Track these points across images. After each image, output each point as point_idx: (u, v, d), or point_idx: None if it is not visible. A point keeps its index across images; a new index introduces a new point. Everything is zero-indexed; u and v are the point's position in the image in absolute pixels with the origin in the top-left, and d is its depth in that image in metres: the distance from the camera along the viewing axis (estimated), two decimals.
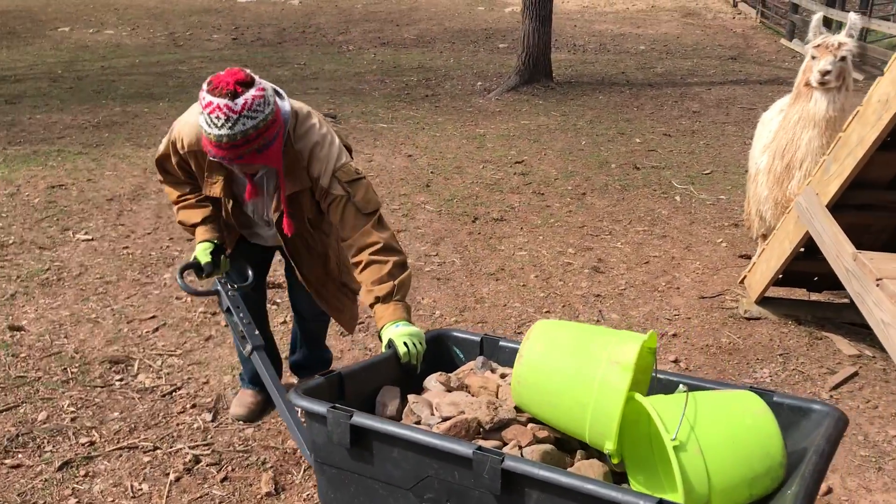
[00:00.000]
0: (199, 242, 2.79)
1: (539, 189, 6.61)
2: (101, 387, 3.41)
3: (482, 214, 5.93)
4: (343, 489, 2.05)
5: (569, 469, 1.96)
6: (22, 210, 5.82)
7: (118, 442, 3.02)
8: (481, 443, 1.97)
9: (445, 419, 2.07)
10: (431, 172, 7.12)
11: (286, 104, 2.54)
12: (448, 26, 16.61)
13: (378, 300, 2.40)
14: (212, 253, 2.77)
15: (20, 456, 2.90)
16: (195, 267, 2.78)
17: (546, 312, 4.31)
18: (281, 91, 2.57)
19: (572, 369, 2.00)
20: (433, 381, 2.31)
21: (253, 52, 14.40)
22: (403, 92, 10.90)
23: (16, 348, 3.69)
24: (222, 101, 2.27)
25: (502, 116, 9.46)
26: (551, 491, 1.71)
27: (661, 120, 9.38)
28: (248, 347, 2.58)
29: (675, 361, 3.86)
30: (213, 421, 3.21)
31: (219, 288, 2.72)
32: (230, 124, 2.27)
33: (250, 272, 2.92)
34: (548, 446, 2.01)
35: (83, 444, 2.99)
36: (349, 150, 2.68)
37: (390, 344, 2.34)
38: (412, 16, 17.61)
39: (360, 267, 2.46)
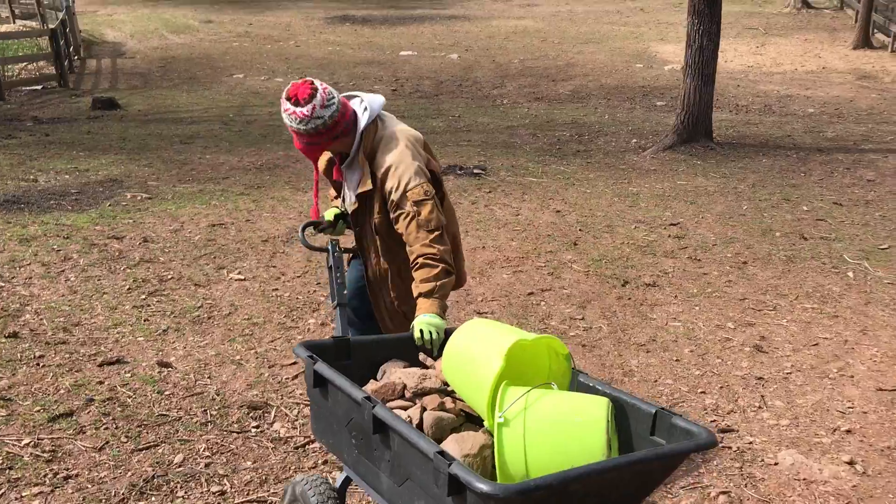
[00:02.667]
0: (331, 208, 3.35)
1: (695, 254, 6.25)
2: (238, 432, 3.41)
3: (633, 278, 5.65)
4: (319, 421, 2.56)
5: (454, 435, 2.24)
6: (183, 246, 6.08)
7: (248, 494, 2.99)
8: (401, 402, 2.38)
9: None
10: (580, 230, 6.91)
11: (373, 110, 2.99)
12: (604, 83, 16.43)
13: (421, 294, 2.78)
14: (336, 216, 3.29)
15: (153, 499, 2.91)
16: (316, 224, 3.30)
17: (701, 393, 3.98)
18: (370, 103, 3.00)
19: (476, 355, 2.27)
20: (420, 359, 2.70)
21: (410, 103, 14.77)
22: (555, 147, 10.79)
23: (162, 385, 3.77)
24: (295, 107, 2.84)
25: (657, 175, 9.13)
26: (396, 433, 2.10)
27: (830, 187, 8.74)
28: (334, 303, 3.03)
29: (850, 463, 3.43)
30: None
31: (329, 247, 3.14)
32: (300, 123, 2.85)
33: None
34: (445, 414, 2.31)
35: (214, 493, 2.98)
36: (433, 176, 3.01)
37: (412, 328, 2.73)
38: (568, 72, 17.56)
39: (416, 267, 2.83)
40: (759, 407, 3.84)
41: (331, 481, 2.58)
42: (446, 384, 2.45)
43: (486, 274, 5.71)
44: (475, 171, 9.20)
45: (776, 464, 3.33)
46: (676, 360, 4.35)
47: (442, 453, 1.92)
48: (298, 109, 2.83)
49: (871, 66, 18.09)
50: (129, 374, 3.85)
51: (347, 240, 3.30)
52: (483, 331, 2.36)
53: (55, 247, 5.90)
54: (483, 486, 1.78)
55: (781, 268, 5.97)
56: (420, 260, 2.80)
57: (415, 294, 2.81)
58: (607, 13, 26.81)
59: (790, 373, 4.25)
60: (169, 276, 5.38)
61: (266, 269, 5.62)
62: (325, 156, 3.15)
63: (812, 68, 18.24)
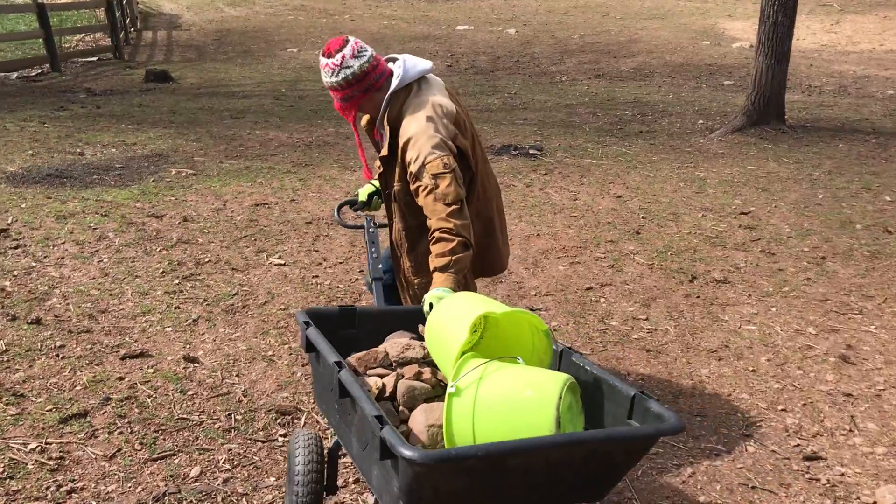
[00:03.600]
0: (366, 184, 3.39)
1: (769, 248, 5.76)
2: (263, 441, 3.11)
3: (701, 273, 5.20)
4: (315, 385, 2.59)
5: (423, 405, 2.26)
6: (224, 227, 5.82)
7: None
8: (381, 370, 2.40)
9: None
10: (643, 217, 6.46)
11: (407, 74, 2.91)
12: (669, 60, 15.74)
13: (436, 269, 2.72)
14: (370, 194, 3.35)
15: None
16: (352, 203, 3.38)
17: (781, 410, 3.55)
18: (408, 67, 2.93)
19: (449, 327, 2.26)
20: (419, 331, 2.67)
21: (466, 79, 14.35)
22: (616, 127, 10.27)
23: (186, 383, 3.49)
24: (327, 59, 2.87)
25: (726, 159, 8.58)
26: (351, 397, 2.12)
27: None
28: (370, 278, 3.08)
29: None
30: None
31: (364, 224, 3.21)
32: (332, 75, 2.87)
33: None
34: (418, 384, 2.32)
35: None
36: (461, 153, 2.93)
37: (423, 301, 2.67)
38: (631, 48, 16.90)
39: (433, 241, 2.77)
40: (850, 430, 3.40)
41: (323, 441, 2.53)
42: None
43: (541, 265, 5.32)
44: (531, 151, 8.77)
45: (874, 503, 2.90)
46: (752, 371, 3.91)
47: (379, 418, 1.91)
48: (329, 61, 2.87)
49: None
50: (151, 370, 3.58)
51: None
52: (461, 303, 2.34)
53: (92, 224, 5.69)
54: (405, 451, 1.78)
55: (865, 265, 5.44)
56: (437, 234, 2.77)
57: (431, 268, 2.77)
58: None
59: (883, 389, 3.78)
60: (206, 259, 5.12)
61: (308, 253, 5.32)
62: (367, 116, 3.15)
63: (892, 47, 17.23)
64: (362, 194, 3.36)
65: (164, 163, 7.85)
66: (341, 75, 2.85)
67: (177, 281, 4.70)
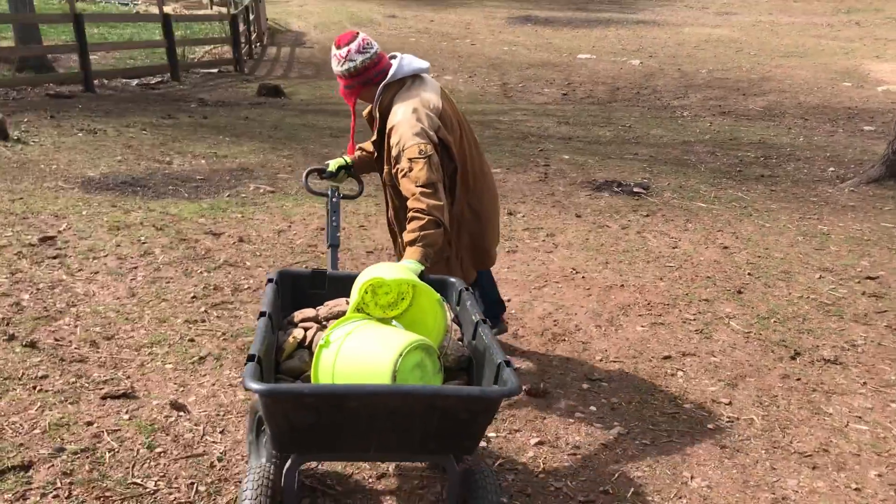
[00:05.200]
0: (339, 158, 3.65)
1: None
2: None
3: (808, 348, 4.38)
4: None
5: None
6: (280, 250, 5.46)
7: None
8: (310, 323, 2.78)
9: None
10: (748, 274, 5.66)
11: (401, 69, 3.26)
12: (803, 101, 14.56)
13: (407, 243, 3.01)
14: (339, 167, 3.59)
15: None
16: (320, 171, 3.65)
17: None
18: (403, 64, 3.28)
19: (354, 292, 2.69)
20: None
21: (579, 109, 13.72)
22: (735, 168, 9.38)
23: (159, 437, 3.04)
24: (336, 50, 3.24)
25: (856, 213, 7.58)
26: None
27: None
28: (328, 244, 3.35)
29: None
30: None
31: (328, 193, 3.47)
32: (338, 65, 3.24)
33: (361, 189, 3.78)
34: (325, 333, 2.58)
35: None
36: (443, 144, 3.24)
37: None
38: (762, 86, 15.78)
39: (408, 220, 3.06)
40: None
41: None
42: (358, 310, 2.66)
43: (617, 323, 4.64)
44: (635, 189, 8.06)
45: None
46: (856, 489, 3.10)
47: (251, 356, 2.27)
48: (338, 52, 3.24)
49: None
50: (128, 416, 3.16)
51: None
52: (374, 271, 2.70)
53: (142, 238, 5.45)
54: (249, 384, 2.13)
55: None
56: (411, 213, 3.06)
57: (404, 243, 3.05)
58: (815, 25, 24.30)
59: None
60: (245, 286, 4.73)
61: None
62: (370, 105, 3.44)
63: None
64: (332, 165, 3.60)
65: (246, 178, 7.63)
66: (345, 66, 3.23)
67: (203, 308, 4.33)
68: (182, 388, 3.43)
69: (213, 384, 3.49)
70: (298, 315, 2.81)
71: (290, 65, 17.97)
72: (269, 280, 2.88)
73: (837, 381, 4.00)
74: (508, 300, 4.93)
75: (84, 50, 12.66)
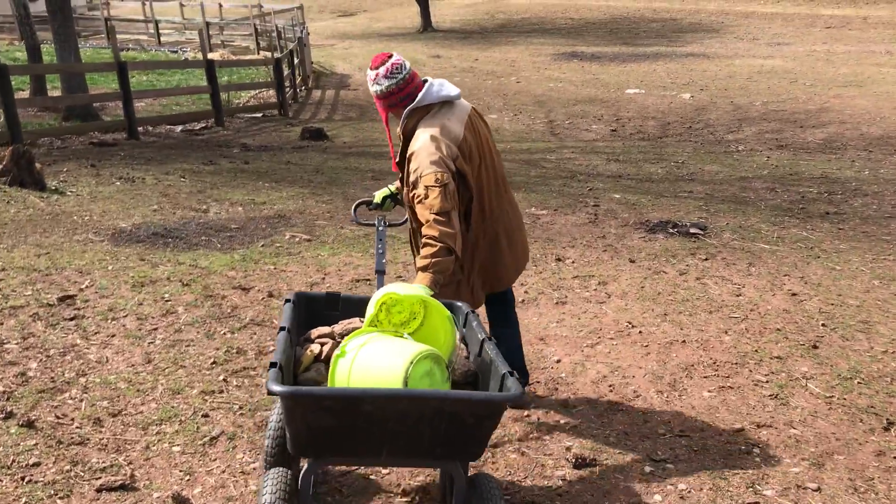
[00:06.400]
0: (384, 188, 3.82)
1: None
2: None
3: None
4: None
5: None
6: None
7: None
8: (325, 339, 2.93)
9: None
10: (823, 325, 5.13)
11: (429, 96, 3.34)
12: (866, 132, 13.88)
13: (419, 269, 3.17)
14: (383, 198, 3.75)
15: None
16: (367, 202, 3.84)
17: None
18: (431, 92, 3.35)
19: (370, 309, 2.88)
20: None
21: (629, 145, 13.27)
22: (797, 206, 8.82)
23: None
24: (369, 71, 3.39)
25: None
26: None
27: None
28: (375, 270, 3.45)
29: None
30: None
31: (374, 222, 3.61)
32: (370, 85, 3.40)
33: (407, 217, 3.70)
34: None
35: None
36: (461, 174, 3.34)
37: None
38: (821, 117, 15.13)
39: (422, 245, 3.22)
40: None
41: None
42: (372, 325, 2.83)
43: (680, 387, 4.16)
44: (692, 230, 7.57)
45: None
46: None
47: (272, 363, 2.48)
48: (370, 72, 3.36)
49: None
50: None
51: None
52: (391, 289, 2.88)
53: (166, 295, 5.16)
54: (271, 386, 2.34)
55: None
56: (424, 239, 3.19)
57: (417, 267, 3.20)
58: (873, 53, 23.51)
59: None
60: (271, 348, 4.38)
61: None
62: None
63: None
64: (377, 196, 3.78)
65: (283, 225, 7.37)
66: (374, 88, 3.35)
67: (223, 377, 3.98)
68: (188, 477, 3.05)
69: (223, 471, 3.11)
70: (315, 332, 2.97)
71: (335, 107, 17.90)
72: (287, 300, 3.04)
73: None
74: (558, 361, 4.49)
75: (128, 97, 12.68)
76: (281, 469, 2.57)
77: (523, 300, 5.54)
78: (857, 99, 16.73)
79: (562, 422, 3.76)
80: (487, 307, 3.89)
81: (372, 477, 3.27)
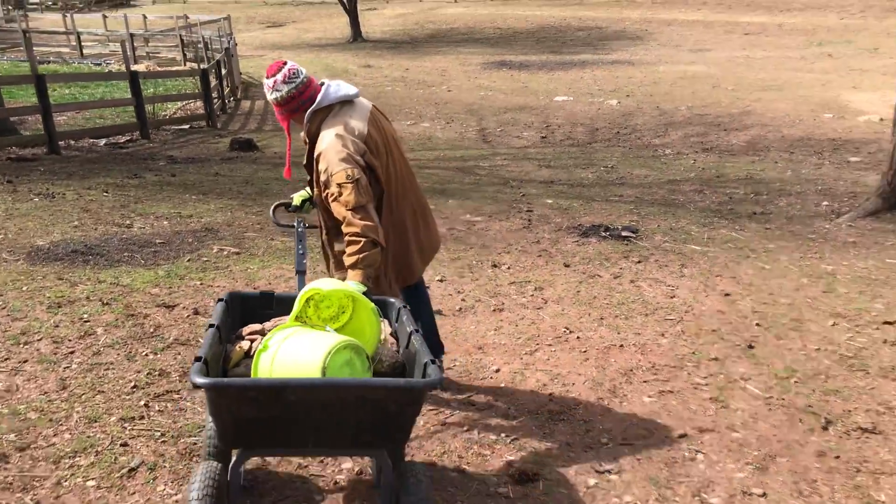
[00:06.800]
0: (301, 190, 3.83)
1: None
2: None
3: (839, 415, 3.87)
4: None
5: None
6: None
7: None
8: (255, 336, 2.97)
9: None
10: (757, 325, 5.18)
11: (327, 96, 3.41)
12: (786, 134, 14.27)
13: (348, 266, 3.24)
14: (302, 200, 3.77)
15: None
16: (287, 204, 3.85)
17: None
18: (329, 92, 3.42)
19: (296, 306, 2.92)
20: None
21: (560, 151, 13.35)
22: (726, 207, 8.97)
23: None
24: (265, 79, 3.43)
25: (858, 250, 7.15)
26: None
27: None
28: (295, 270, 3.51)
29: None
30: None
31: (294, 224, 3.64)
32: (268, 93, 3.43)
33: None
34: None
35: None
36: (370, 168, 3.41)
37: None
38: (743, 120, 15.51)
39: (346, 243, 3.28)
40: None
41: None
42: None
43: (620, 393, 4.11)
44: (624, 233, 7.60)
45: None
46: None
47: (197, 357, 2.49)
48: (267, 81, 3.39)
49: None
50: None
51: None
52: (312, 283, 2.95)
53: (85, 315, 4.88)
54: (194, 378, 2.36)
55: None
56: (347, 238, 3.25)
57: (345, 266, 3.25)
58: (789, 59, 24.30)
59: None
60: None
61: None
62: None
63: None
64: (296, 199, 3.80)
65: (211, 238, 7.11)
66: (273, 96, 3.38)
67: (144, 401, 3.76)
68: None
69: None
70: (246, 329, 3.01)
71: (265, 118, 17.58)
72: (220, 300, 3.07)
73: (881, 456, 3.47)
74: (497, 370, 4.40)
75: (47, 111, 12.16)
76: (211, 462, 2.59)
77: (460, 308, 5.44)
78: (777, 102, 17.23)
79: (503, 435, 3.66)
80: (406, 298, 3.94)
81: (308, 467, 3.19)
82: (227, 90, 19.04)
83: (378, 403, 2.46)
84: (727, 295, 5.80)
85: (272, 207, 3.88)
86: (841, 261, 6.76)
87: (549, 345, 4.78)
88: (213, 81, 16.98)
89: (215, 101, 16.90)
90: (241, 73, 22.11)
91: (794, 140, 13.79)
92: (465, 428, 3.74)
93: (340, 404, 2.43)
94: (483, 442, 3.60)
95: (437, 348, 4.05)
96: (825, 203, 9.18)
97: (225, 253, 6.63)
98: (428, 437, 3.64)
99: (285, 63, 3.39)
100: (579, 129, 15.29)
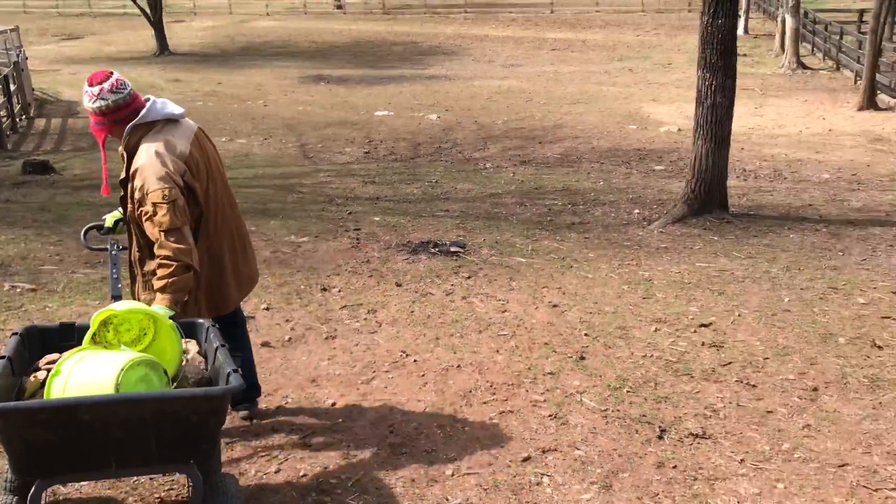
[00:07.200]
0: (114, 211, 3.77)
1: (746, 376, 4.61)
2: None
3: (671, 422, 3.97)
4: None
5: None
6: None
7: None
8: (50, 367, 2.79)
9: None
10: (585, 335, 5.28)
11: (152, 112, 3.33)
12: (596, 145, 15.01)
13: (157, 290, 3.15)
14: (115, 221, 3.72)
15: None
16: (98, 227, 3.80)
17: None
18: (154, 109, 3.35)
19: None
20: None
21: (384, 166, 13.27)
22: (546, 218, 9.22)
23: None
24: (88, 88, 3.32)
25: (671, 255, 7.54)
26: None
27: (879, 271, 7.17)
28: (110, 296, 3.44)
29: None
30: None
31: (107, 247, 3.65)
32: (90, 101, 3.31)
33: None
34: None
35: None
36: (188, 188, 3.32)
37: None
38: (556, 133, 16.17)
39: (157, 266, 3.20)
40: None
41: None
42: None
43: (461, 416, 4.01)
44: (452, 248, 7.60)
45: None
46: None
47: None
48: (90, 89, 3.29)
49: (881, 129, 16.83)
50: None
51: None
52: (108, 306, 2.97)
53: None
54: None
55: (868, 398, 4.32)
56: (159, 260, 3.18)
57: (155, 289, 3.16)
58: (594, 73, 25.72)
59: None
60: None
61: None
62: None
63: (818, 130, 16.97)
64: (109, 220, 3.70)
65: (3, 274, 6.37)
66: (96, 104, 3.26)
67: None
68: None
69: None
70: (43, 360, 2.90)
71: (62, 137, 16.27)
72: (14, 334, 2.94)
73: (714, 461, 3.57)
74: (333, 404, 4.17)
75: None
76: (8, 497, 2.49)
77: (290, 338, 5.15)
78: (586, 115, 18.12)
79: (343, 477, 3.44)
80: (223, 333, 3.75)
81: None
82: (17, 107, 17.46)
83: (178, 416, 2.43)
84: (555, 306, 5.89)
85: (83, 230, 3.78)
86: (656, 266, 7.09)
87: (387, 371, 4.61)
88: (1, 98, 15.51)
89: (4, 119, 15.44)
90: (33, 90, 20.38)
91: (603, 151, 14.51)
92: (301, 474, 3.48)
93: (139, 420, 2.38)
94: (322, 487, 3.36)
95: (253, 390, 3.90)
96: (637, 211, 9.66)
97: (18, 290, 5.96)
98: (260, 490, 3.34)
99: (112, 73, 3.31)
100: (402, 144, 15.31)
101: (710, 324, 5.55)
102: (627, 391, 4.34)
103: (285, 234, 8.08)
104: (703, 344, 5.14)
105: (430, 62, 29.19)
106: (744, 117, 17.97)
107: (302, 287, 6.26)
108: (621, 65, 27.55)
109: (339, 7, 43.84)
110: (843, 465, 3.53)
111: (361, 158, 14.15)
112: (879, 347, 5.14)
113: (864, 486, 3.35)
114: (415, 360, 4.78)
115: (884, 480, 3.41)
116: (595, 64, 28.06)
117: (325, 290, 6.21)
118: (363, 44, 34.03)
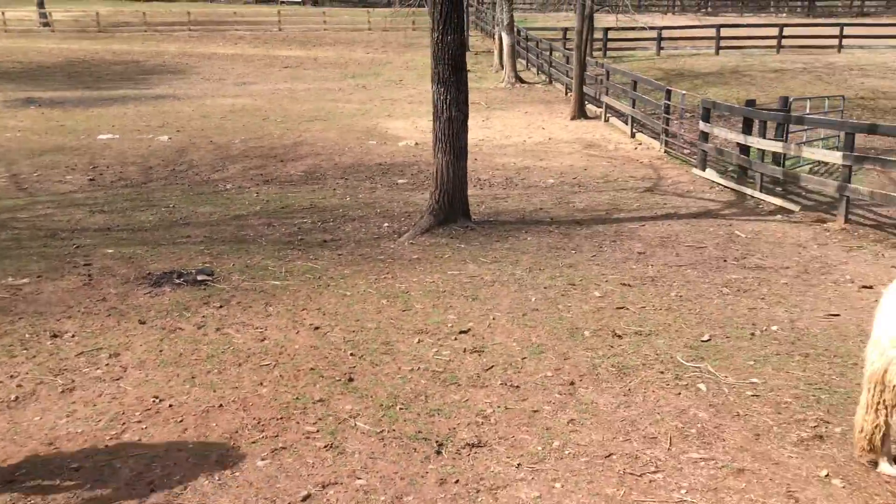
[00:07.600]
0: None
1: (509, 378, 4.75)
2: None
3: (446, 434, 3.97)
4: None
5: None
6: None
7: None
8: None
9: None
10: (351, 354, 5.17)
11: None
12: (339, 161, 14.99)
13: None
14: None
15: None
16: None
17: None
18: None
19: None
20: None
21: (112, 193, 12.23)
22: (296, 237, 9.00)
23: None
24: None
25: (423, 265, 7.67)
26: None
27: (607, 265, 7.83)
28: None
29: None
30: None
31: None
32: None
33: None
34: None
35: None
36: None
37: None
38: (298, 151, 15.93)
39: None
40: None
41: None
42: None
43: (230, 461, 3.71)
44: (199, 277, 7.13)
45: None
46: None
47: None
48: None
49: (592, 136, 18.52)
50: None
51: None
52: None
53: None
54: None
55: (618, 386, 4.63)
56: None
57: None
58: (329, 90, 25.77)
59: None
60: None
61: None
62: None
63: (540, 139, 18.30)
64: None
65: None
66: None
67: None
68: None
69: None
70: None
71: None
72: None
73: (492, 469, 3.61)
74: (78, 468, 3.67)
75: None
76: None
77: (17, 397, 4.49)
78: (326, 132, 18.07)
79: None
80: None
81: None
82: None
83: None
84: (317, 328, 5.72)
85: None
86: (411, 278, 7.16)
87: (139, 421, 4.16)
88: None
89: None
90: None
91: (346, 167, 14.52)
92: None
93: None
94: None
95: None
96: (386, 224, 9.74)
97: None
98: None
99: None
100: (131, 169, 14.23)
101: (469, 330, 5.67)
102: (400, 408, 4.29)
103: (0, 277, 7.12)
104: (465, 350, 5.24)
105: (156, 81, 27.59)
106: (473, 129, 18.84)
107: (27, 336, 5.52)
108: (354, 82, 27.89)
109: (47, 24, 40.08)
110: (609, 456, 3.73)
111: (86, 186, 12.95)
112: (619, 336, 5.56)
113: (630, 474, 3.56)
114: (170, 405, 4.36)
115: (645, 465, 3.65)
116: (329, 81, 28.14)
117: (55, 336, 5.53)
118: (78, 63, 31.39)
